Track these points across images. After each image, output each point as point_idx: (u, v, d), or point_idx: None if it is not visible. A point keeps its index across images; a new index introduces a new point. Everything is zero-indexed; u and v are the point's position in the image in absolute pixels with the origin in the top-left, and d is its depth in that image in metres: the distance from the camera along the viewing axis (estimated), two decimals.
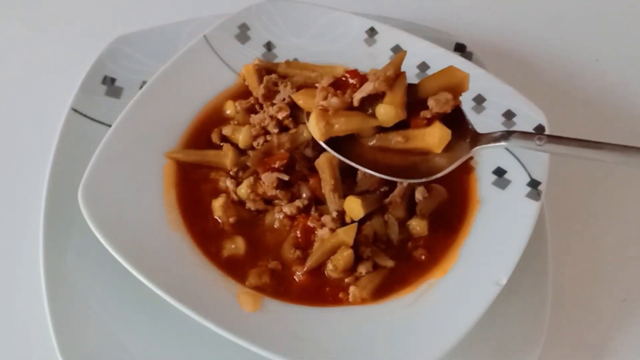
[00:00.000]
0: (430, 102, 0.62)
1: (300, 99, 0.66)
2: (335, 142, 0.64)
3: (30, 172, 0.73)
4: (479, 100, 0.73)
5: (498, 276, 0.63)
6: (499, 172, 0.70)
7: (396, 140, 0.63)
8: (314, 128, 0.62)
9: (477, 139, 0.63)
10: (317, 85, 0.64)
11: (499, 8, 0.88)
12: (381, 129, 0.63)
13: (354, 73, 0.63)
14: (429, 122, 0.62)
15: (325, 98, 0.62)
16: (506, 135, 0.62)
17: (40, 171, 0.70)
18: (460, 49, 0.80)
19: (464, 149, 0.62)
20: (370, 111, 0.62)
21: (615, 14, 0.86)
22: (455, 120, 0.63)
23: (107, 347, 0.64)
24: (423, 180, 0.63)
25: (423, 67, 0.75)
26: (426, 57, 0.75)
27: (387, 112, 0.61)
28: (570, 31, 0.87)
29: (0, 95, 0.79)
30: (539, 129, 0.70)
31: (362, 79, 0.63)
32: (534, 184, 0.68)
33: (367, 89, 0.61)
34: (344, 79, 0.64)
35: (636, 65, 0.83)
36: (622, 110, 0.82)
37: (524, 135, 0.61)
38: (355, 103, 0.61)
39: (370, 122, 0.61)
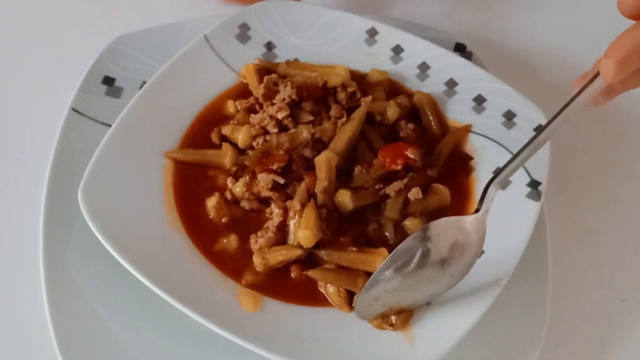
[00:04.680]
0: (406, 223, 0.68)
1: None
2: None
3: (30, 172, 0.73)
4: (479, 100, 0.73)
5: (498, 276, 0.63)
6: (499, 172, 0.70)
7: (339, 259, 0.66)
8: (257, 265, 0.65)
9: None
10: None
11: (499, 8, 0.88)
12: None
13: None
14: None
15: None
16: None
17: (40, 171, 0.70)
18: (460, 48, 0.80)
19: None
20: (292, 237, 0.66)
21: (615, 14, 0.86)
22: None
23: (107, 347, 0.64)
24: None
25: (423, 67, 0.75)
26: (426, 57, 0.75)
27: (305, 235, 0.64)
28: (570, 31, 0.87)
29: (0, 95, 0.79)
30: (539, 129, 0.70)
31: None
32: (534, 184, 0.68)
33: (276, 221, 0.66)
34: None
35: None
36: (622, 110, 0.82)
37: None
38: (271, 233, 0.66)
39: (295, 251, 0.65)
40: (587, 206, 0.77)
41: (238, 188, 0.68)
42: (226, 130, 0.71)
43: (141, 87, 0.73)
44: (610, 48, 0.56)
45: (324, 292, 0.65)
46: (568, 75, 0.84)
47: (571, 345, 0.70)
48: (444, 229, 0.60)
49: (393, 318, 0.62)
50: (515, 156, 0.60)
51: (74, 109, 0.72)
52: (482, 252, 0.61)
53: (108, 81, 0.74)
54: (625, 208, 0.77)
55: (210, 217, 0.67)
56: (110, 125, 0.68)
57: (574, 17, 0.88)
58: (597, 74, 0.59)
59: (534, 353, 0.66)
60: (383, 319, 0.63)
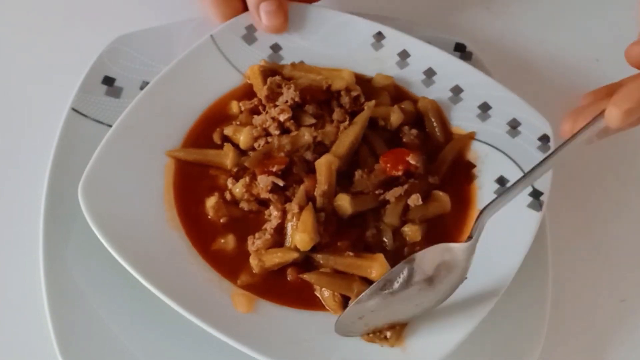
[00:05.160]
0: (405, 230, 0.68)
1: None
2: None
3: (30, 172, 0.73)
4: (485, 108, 0.73)
5: (495, 286, 0.63)
6: (501, 181, 0.69)
7: (336, 264, 0.66)
8: (254, 266, 0.65)
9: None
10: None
11: (499, 8, 0.88)
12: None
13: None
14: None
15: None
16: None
17: (40, 171, 0.70)
18: (460, 48, 0.80)
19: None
20: (290, 240, 0.66)
21: (616, 14, 0.86)
22: None
23: (107, 346, 0.64)
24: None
25: (429, 73, 0.75)
26: (433, 63, 0.75)
27: (302, 239, 0.64)
28: (569, 31, 0.87)
29: (0, 95, 0.79)
30: (544, 139, 0.70)
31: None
32: (536, 194, 0.68)
33: (274, 224, 0.66)
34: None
35: None
36: None
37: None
38: (269, 235, 0.66)
39: (292, 254, 0.65)
40: (587, 207, 0.77)
41: (238, 189, 0.68)
42: (228, 130, 0.71)
43: (141, 87, 0.73)
44: (619, 97, 0.58)
45: (319, 296, 0.65)
46: (567, 75, 0.84)
47: (571, 345, 0.70)
48: (430, 253, 0.60)
49: (387, 333, 0.62)
50: (508, 189, 0.61)
51: (74, 109, 0.72)
52: (465, 277, 0.61)
53: (108, 81, 0.74)
54: (625, 208, 0.77)
55: (209, 216, 0.67)
56: (110, 126, 0.68)
57: (574, 17, 0.88)
58: (598, 116, 0.60)
59: (534, 353, 0.66)
60: (375, 334, 0.63)
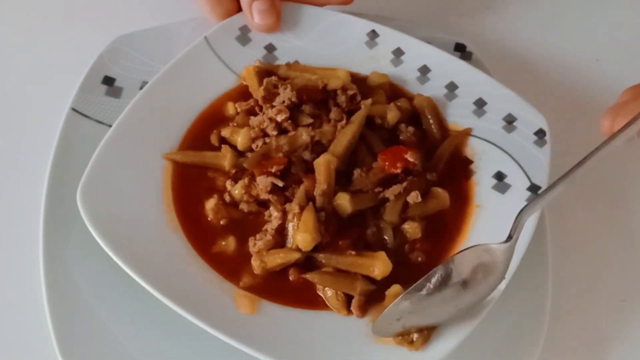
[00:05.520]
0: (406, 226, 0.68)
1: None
2: None
3: (30, 172, 0.73)
4: (480, 104, 0.73)
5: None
6: (499, 176, 0.70)
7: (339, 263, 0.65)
8: (255, 268, 0.65)
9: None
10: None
11: (499, 8, 0.88)
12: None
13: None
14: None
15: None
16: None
17: (40, 171, 0.70)
18: (460, 48, 0.80)
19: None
20: (291, 240, 0.66)
21: (616, 14, 0.86)
22: None
23: (107, 347, 0.64)
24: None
25: (424, 70, 0.75)
26: (427, 60, 0.75)
27: (304, 239, 0.64)
28: (569, 31, 0.87)
29: (0, 95, 0.79)
30: (540, 133, 0.71)
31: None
32: (534, 188, 0.68)
33: (274, 224, 0.66)
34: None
35: (636, 65, 0.83)
36: None
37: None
38: (270, 236, 0.66)
39: (294, 254, 0.65)
40: (587, 206, 0.77)
41: (237, 190, 0.68)
42: (225, 132, 0.71)
43: (141, 87, 0.73)
44: None
45: (322, 296, 0.65)
46: (567, 75, 0.84)
47: (571, 345, 0.70)
48: (469, 254, 0.60)
49: (415, 336, 0.62)
50: (548, 189, 0.61)
51: (74, 109, 0.72)
52: (504, 278, 0.61)
53: (108, 81, 0.74)
54: (625, 208, 0.77)
55: (209, 219, 0.67)
56: (110, 125, 0.69)
57: (574, 17, 0.88)
58: (637, 116, 0.59)
59: (534, 353, 0.66)
60: (403, 337, 0.62)
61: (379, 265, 0.64)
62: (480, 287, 0.61)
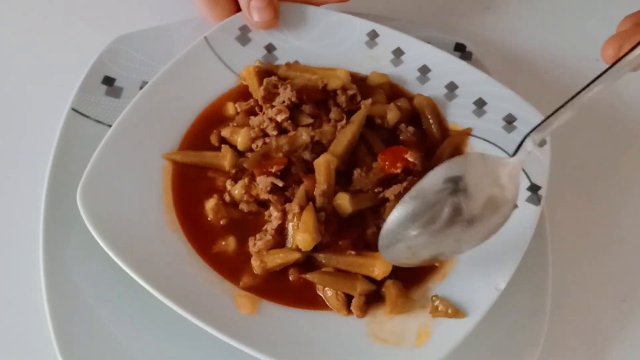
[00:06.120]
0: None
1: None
2: None
3: (30, 172, 0.73)
4: (480, 104, 0.73)
5: (497, 281, 0.63)
6: None
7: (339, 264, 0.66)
8: (255, 268, 0.66)
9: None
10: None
11: (499, 8, 0.88)
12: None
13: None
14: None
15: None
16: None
17: (40, 171, 0.70)
18: (460, 48, 0.80)
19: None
20: (291, 240, 0.66)
21: (616, 14, 0.86)
22: None
23: (107, 347, 0.64)
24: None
25: (424, 70, 0.75)
26: (427, 60, 0.75)
27: (304, 239, 0.64)
28: (569, 31, 0.87)
29: (0, 95, 0.79)
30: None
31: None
32: (534, 188, 0.68)
33: (274, 224, 0.66)
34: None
35: None
36: (623, 110, 0.82)
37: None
38: (270, 236, 0.66)
39: (294, 254, 0.65)
40: (587, 207, 0.77)
41: (237, 190, 0.68)
42: (225, 132, 0.71)
43: (141, 87, 0.73)
44: None
45: (322, 296, 0.65)
46: (567, 74, 0.84)
47: (571, 345, 0.70)
48: (479, 177, 0.59)
49: (449, 310, 0.62)
50: (555, 112, 0.60)
51: (74, 109, 0.72)
52: (516, 205, 0.61)
53: (108, 81, 0.74)
54: (625, 208, 0.77)
55: (209, 219, 0.67)
56: (110, 125, 0.69)
57: (574, 17, 0.88)
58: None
59: (534, 353, 0.66)
60: (438, 310, 0.63)
61: (379, 266, 0.64)
62: (489, 222, 0.60)
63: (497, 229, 0.61)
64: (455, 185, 0.60)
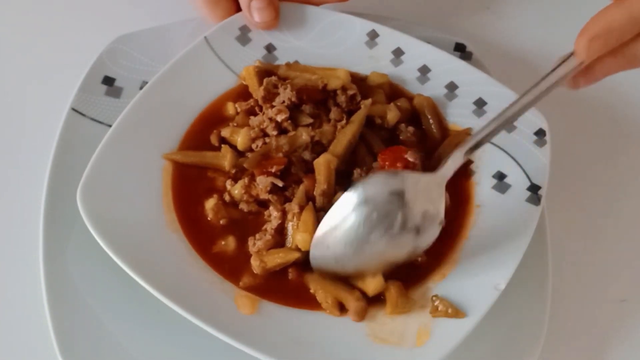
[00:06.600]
0: None
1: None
2: None
3: (30, 172, 0.73)
4: (480, 104, 0.73)
5: (497, 281, 0.63)
6: (499, 176, 0.70)
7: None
8: (255, 267, 0.66)
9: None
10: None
11: (499, 8, 0.88)
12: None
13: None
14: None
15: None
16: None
17: (40, 171, 0.70)
18: (460, 49, 0.80)
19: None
20: (291, 240, 0.66)
21: None
22: None
23: (107, 347, 0.64)
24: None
25: (424, 70, 0.75)
26: (427, 60, 0.75)
27: (303, 238, 0.64)
28: (569, 31, 0.87)
29: (0, 95, 0.79)
30: (540, 133, 0.71)
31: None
32: (534, 188, 0.68)
33: (274, 224, 0.66)
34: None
35: None
36: (623, 110, 0.82)
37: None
38: (269, 236, 0.66)
39: (293, 254, 0.65)
40: (587, 206, 0.77)
41: (237, 190, 0.68)
42: (225, 132, 0.71)
43: (141, 87, 0.73)
44: (585, 26, 0.57)
45: (314, 294, 0.65)
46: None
47: (571, 345, 0.70)
48: (417, 192, 0.61)
49: (449, 310, 0.63)
50: (481, 131, 0.62)
51: (74, 109, 0.72)
52: (442, 222, 0.62)
53: (108, 81, 0.74)
54: (625, 208, 0.77)
55: (209, 219, 0.67)
56: (110, 125, 0.68)
57: (574, 17, 0.88)
58: (571, 53, 0.59)
59: (534, 353, 0.66)
60: (438, 310, 0.63)
61: (371, 283, 0.64)
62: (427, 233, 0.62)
63: (425, 246, 0.63)
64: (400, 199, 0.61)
